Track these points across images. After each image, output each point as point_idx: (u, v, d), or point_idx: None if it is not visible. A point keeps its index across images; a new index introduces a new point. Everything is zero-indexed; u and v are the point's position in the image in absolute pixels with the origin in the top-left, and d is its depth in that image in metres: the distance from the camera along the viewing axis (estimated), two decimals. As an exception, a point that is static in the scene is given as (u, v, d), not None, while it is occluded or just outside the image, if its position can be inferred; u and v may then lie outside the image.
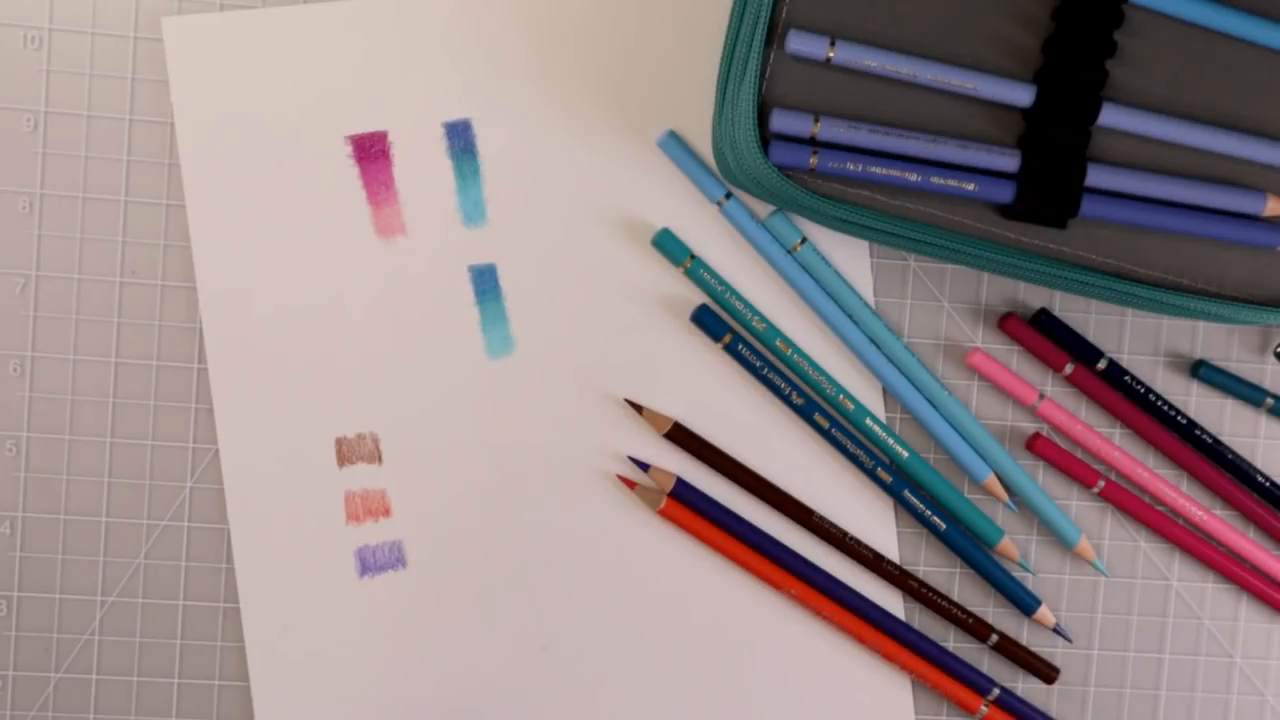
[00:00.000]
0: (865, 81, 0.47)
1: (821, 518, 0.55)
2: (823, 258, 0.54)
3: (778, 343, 0.54)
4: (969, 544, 0.56)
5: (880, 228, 0.48)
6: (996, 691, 0.56)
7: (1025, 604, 0.56)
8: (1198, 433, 0.56)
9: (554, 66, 0.54)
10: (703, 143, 0.54)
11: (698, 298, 0.55)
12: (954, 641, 0.57)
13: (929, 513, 0.55)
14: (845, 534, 0.56)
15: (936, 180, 0.47)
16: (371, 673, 0.55)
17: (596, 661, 0.56)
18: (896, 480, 0.55)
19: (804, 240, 0.54)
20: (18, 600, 0.55)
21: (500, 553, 0.55)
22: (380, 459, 0.55)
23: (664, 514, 0.55)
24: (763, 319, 0.54)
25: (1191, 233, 0.49)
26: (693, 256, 0.54)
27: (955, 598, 0.57)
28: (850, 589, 0.56)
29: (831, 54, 0.47)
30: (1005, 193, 0.48)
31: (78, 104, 0.53)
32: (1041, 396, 0.56)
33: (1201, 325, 0.57)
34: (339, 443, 0.55)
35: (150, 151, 0.54)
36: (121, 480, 0.55)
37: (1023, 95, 0.47)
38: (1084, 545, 0.56)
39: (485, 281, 0.54)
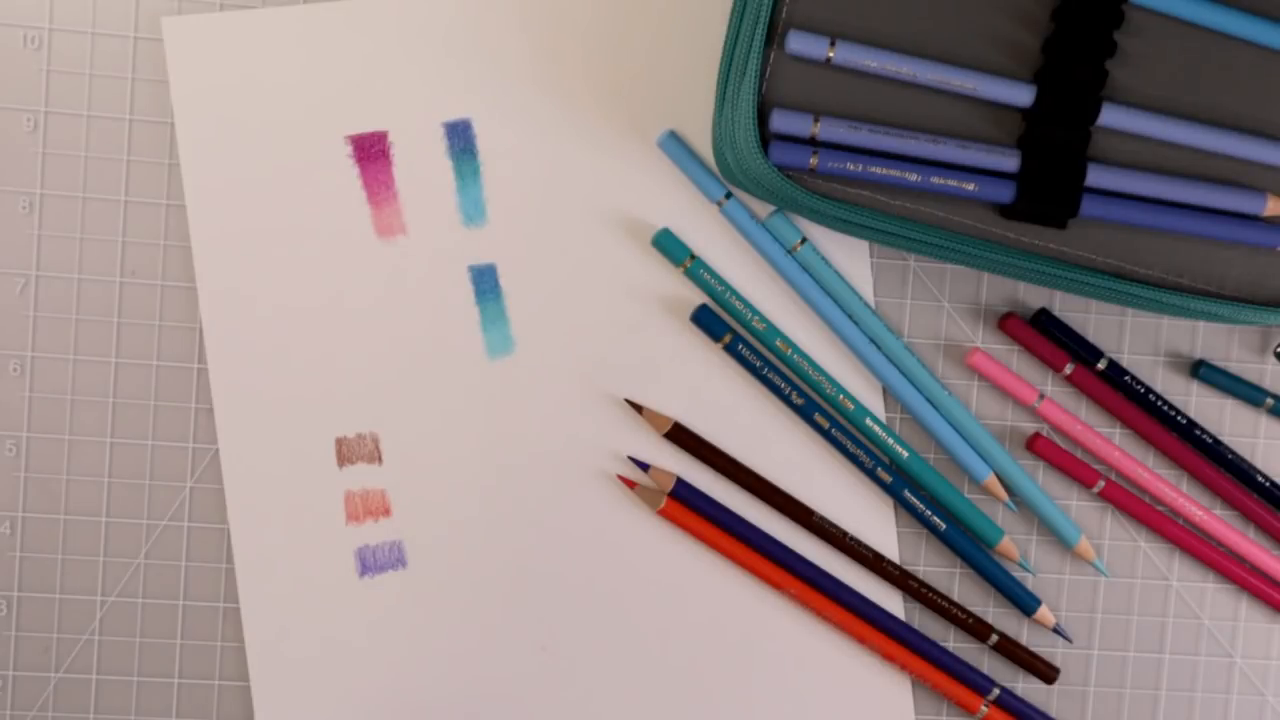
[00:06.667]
0: (865, 81, 0.47)
1: (821, 518, 0.55)
2: (823, 258, 0.54)
3: (778, 343, 0.54)
4: (969, 544, 0.56)
5: (880, 228, 0.48)
6: (996, 691, 0.56)
7: (1025, 604, 0.56)
8: (1198, 433, 0.56)
9: (554, 66, 0.54)
10: (703, 143, 0.54)
11: (698, 298, 0.55)
12: (954, 641, 0.57)
13: (929, 513, 0.55)
14: (845, 534, 0.56)
15: (936, 180, 0.47)
16: (371, 672, 0.55)
17: (596, 662, 0.56)
18: (896, 480, 0.55)
19: (804, 240, 0.54)
20: (18, 600, 0.55)
21: (500, 553, 0.55)
22: (380, 459, 0.55)
23: (664, 514, 0.55)
24: (763, 319, 0.54)
25: (1191, 233, 0.49)
26: (693, 256, 0.54)
27: (955, 598, 0.57)
28: (850, 589, 0.56)
29: (831, 54, 0.47)
30: (1005, 193, 0.48)
31: (78, 104, 0.53)
32: (1041, 396, 0.56)
33: (1201, 325, 0.57)
34: (339, 443, 0.55)
35: (150, 151, 0.54)
36: (121, 480, 0.55)
37: (1023, 95, 0.47)
38: (1084, 545, 0.56)
39: (485, 281, 0.54)
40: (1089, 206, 0.48)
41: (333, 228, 0.54)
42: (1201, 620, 0.58)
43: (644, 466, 0.55)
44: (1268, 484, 0.56)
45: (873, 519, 0.56)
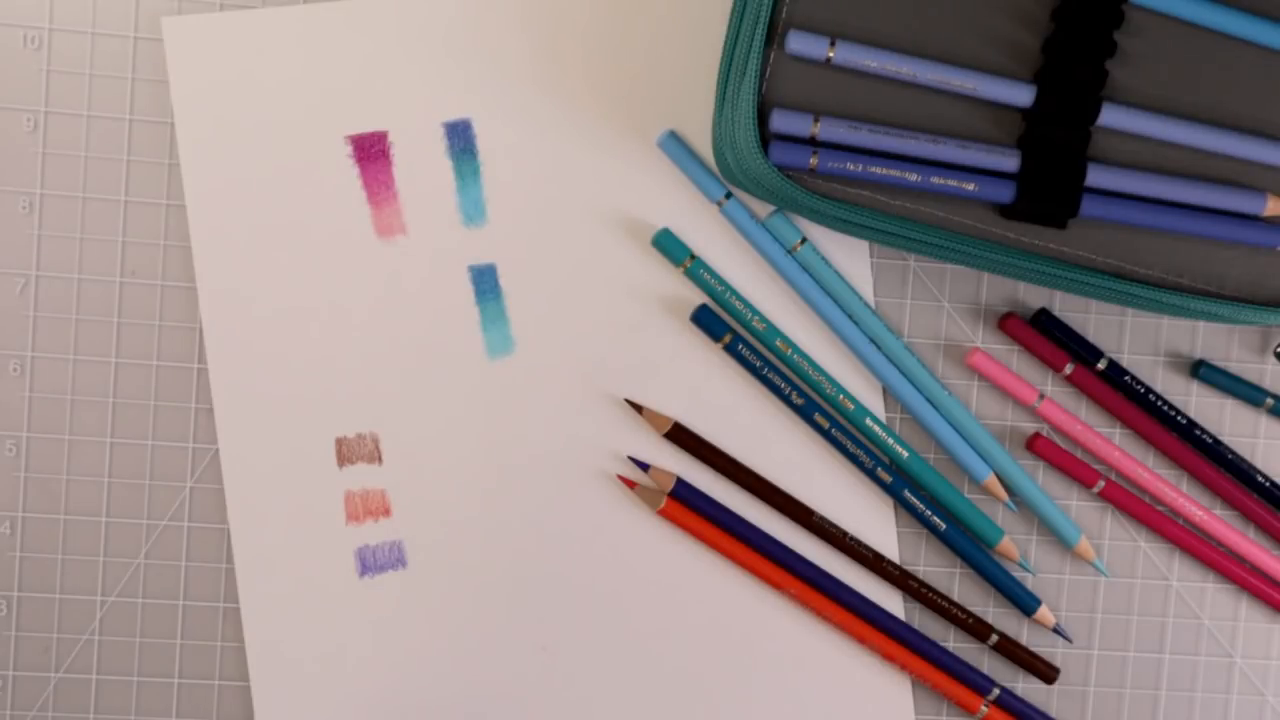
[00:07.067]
0: (865, 81, 0.47)
1: (821, 518, 0.55)
2: (823, 258, 0.54)
3: (778, 343, 0.54)
4: (969, 544, 0.56)
5: (880, 228, 0.48)
6: (996, 691, 0.56)
7: (1025, 604, 0.56)
8: (1198, 433, 0.56)
9: (554, 66, 0.54)
10: (703, 143, 0.54)
11: (698, 298, 0.55)
12: (954, 641, 0.57)
13: (929, 513, 0.55)
14: (845, 534, 0.56)
15: (936, 180, 0.47)
16: (371, 673, 0.55)
17: (596, 662, 0.56)
18: (896, 480, 0.55)
19: (804, 240, 0.54)
20: (18, 600, 0.55)
21: (500, 553, 0.55)
22: (380, 459, 0.55)
23: (664, 514, 0.55)
24: (763, 319, 0.54)
25: (1191, 233, 0.49)
26: (693, 256, 0.54)
27: (955, 598, 0.57)
28: (850, 589, 0.56)
29: (831, 54, 0.47)
30: (1005, 193, 0.48)
31: (78, 104, 0.53)
32: (1041, 396, 0.56)
33: (1201, 325, 0.57)
34: (339, 443, 0.55)
35: (150, 151, 0.54)
36: (121, 480, 0.55)
37: (1023, 95, 0.47)
38: (1084, 545, 0.56)
39: (485, 281, 0.54)
40: (1089, 206, 0.48)
41: (333, 228, 0.54)
42: (1201, 620, 0.58)
43: (644, 466, 0.55)
44: (1268, 484, 0.56)
45: (873, 519, 0.56)
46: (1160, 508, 0.57)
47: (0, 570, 0.55)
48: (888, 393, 0.56)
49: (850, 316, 0.55)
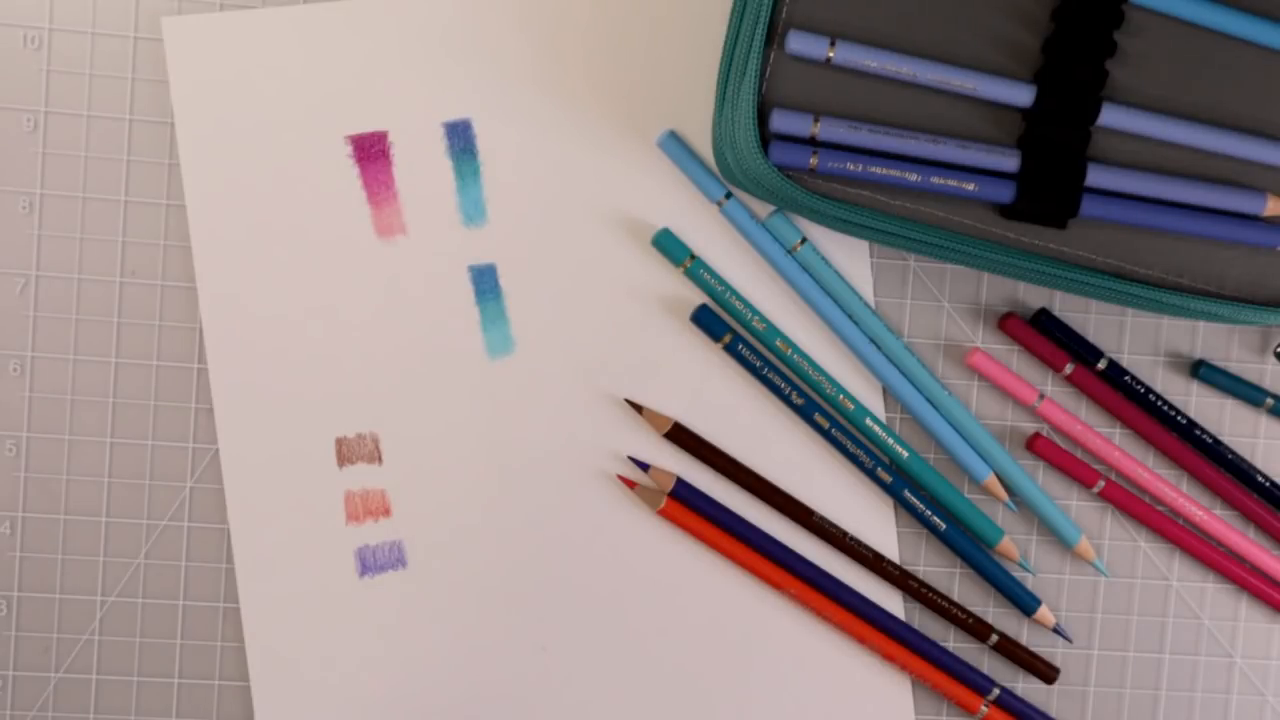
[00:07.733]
0: (865, 81, 0.47)
1: (821, 518, 0.55)
2: (823, 258, 0.54)
3: (778, 343, 0.54)
4: (969, 544, 0.56)
5: (880, 228, 0.48)
6: (996, 691, 0.56)
7: (1025, 604, 0.56)
8: (1198, 433, 0.56)
9: (554, 66, 0.54)
10: (703, 143, 0.54)
11: (698, 298, 0.55)
12: (954, 641, 0.57)
13: (929, 513, 0.55)
14: (845, 534, 0.56)
15: (936, 180, 0.47)
16: (371, 672, 0.55)
17: (596, 662, 0.56)
18: (896, 480, 0.55)
19: (804, 240, 0.54)
20: (18, 600, 0.55)
21: (500, 552, 0.55)
22: (380, 459, 0.55)
23: (664, 514, 0.55)
24: (763, 319, 0.54)
25: (1191, 233, 0.49)
26: (693, 256, 0.54)
27: (955, 598, 0.57)
28: (850, 589, 0.56)
29: (831, 54, 0.47)
30: (1005, 193, 0.48)
31: (78, 104, 0.53)
32: (1041, 396, 0.56)
33: (1201, 325, 0.57)
34: (339, 443, 0.55)
35: (150, 151, 0.54)
36: (121, 480, 0.55)
37: (1023, 95, 0.47)
38: (1084, 545, 0.56)
39: (485, 281, 0.54)
40: (1089, 206, 0.48)
41: (333, 228, 0.54)
42: (1201, 620, 0.58)
43: (644, 466, 0.55)
44: (1268, 484, 0.56)
45: (873, 519, 0.56)
46: (1160, 508, 0.57)
47: (0, 570, 0.55)
48: (888, 393, 0.56)
49: (850, 316, 0.55)
